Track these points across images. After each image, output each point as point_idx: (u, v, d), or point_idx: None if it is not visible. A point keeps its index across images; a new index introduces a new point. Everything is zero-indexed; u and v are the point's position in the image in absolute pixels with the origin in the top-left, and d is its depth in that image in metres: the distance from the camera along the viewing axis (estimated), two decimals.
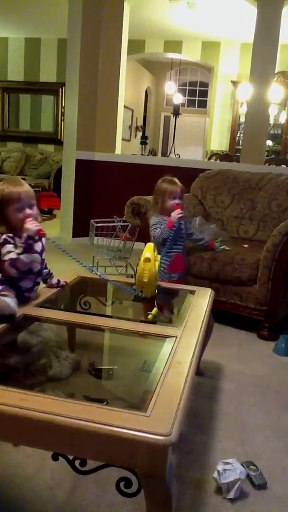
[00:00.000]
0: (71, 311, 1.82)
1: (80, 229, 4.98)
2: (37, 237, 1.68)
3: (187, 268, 2.86)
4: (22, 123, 8.90)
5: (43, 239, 1.77)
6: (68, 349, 1.64)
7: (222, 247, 2.89)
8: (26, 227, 1.63)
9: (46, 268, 1.85)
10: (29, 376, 1.37)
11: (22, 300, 1.67)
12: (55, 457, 1.06)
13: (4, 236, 1.64)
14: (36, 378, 1.37)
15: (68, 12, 4.92)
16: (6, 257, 1.61)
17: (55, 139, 8.50)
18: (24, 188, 1.67)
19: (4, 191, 1.63)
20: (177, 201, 2.61)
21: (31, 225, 1.64)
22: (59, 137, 8.29)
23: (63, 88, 6.81)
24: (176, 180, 2.67)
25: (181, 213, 2.59)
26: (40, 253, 1.75)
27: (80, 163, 5.07)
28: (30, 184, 6.07)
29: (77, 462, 1.05)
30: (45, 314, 1.63)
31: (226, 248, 2.89)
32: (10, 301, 1.52)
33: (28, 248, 1.64)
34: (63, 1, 5.02)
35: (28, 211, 1.66)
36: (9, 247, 1.63)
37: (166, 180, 2.67)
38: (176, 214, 2.57)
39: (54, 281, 1.88)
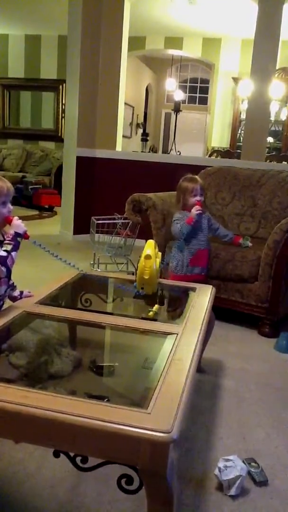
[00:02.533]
0: (72, 308, 1.82)
1: (81, 226, 4.98)
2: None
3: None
4: (22, 120, 8.90)
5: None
6: (70, 347, 1.64)
7: (248, 243, 2.87)
8: (16, 223, 1.61)
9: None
10: (31, 373, 1.37)
11: None
12: (56, 454, 1.06)
13: None
14: (37, 375, 1.37)
15: (68, 8, 4.90)
16: None
17: (55, 136, 8.49)
18: (9, 183, 1.64)
19: None
20: (198, 197, 2.67)
21: (21, 223, 1.62)
22: (59, 134, 8.28)
23: (64, 85, 6.80)
24: (197, 178, 2.73)
25: (200, 210, 2.62)
26: None
27: (80, 160, 5.06)
28: (31, 181, 6.10)
29: (78, 459, 1.05)
30: (46, 311, 1.63)
31: (250, 244, 2.87)
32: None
33: (17, 246, 1.59)
34: None
35: (10, 206, 1.64)
36: None
37: (187, 178, 2.72)
38: (195, 210, 2.61)
39: (16, 293, 1.74)
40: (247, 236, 2.95)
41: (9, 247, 1.58)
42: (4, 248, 1.57)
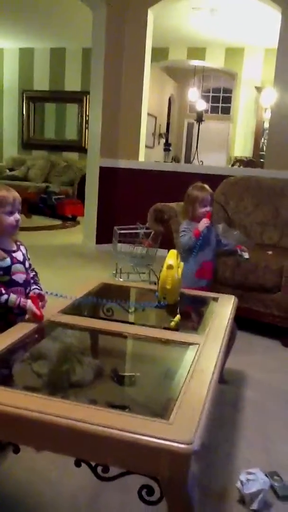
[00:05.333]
0: (94, 317, 1.83)
1: (103, 235, 5.01)
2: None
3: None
4: (47, 131, 9.04)
5: (22, 246, 1.73)
6: (91, 356, 1.64)
7: (245, 257, 2.84)
8: (30, 309, 1.58)
9: (34, 274, 1.77)
10: (52, 381, 1.38)
11: (14, 318, 1.62)
12: (77, 463, 1.06)
13: None
14: (59, 384, 1.38)
15: (93, 22, 4.98)
16: None
17: (79, 147, 8.59)
18: (16, 193, 1.66)
19: None
20: (208, 208, 2.63)
21: (34, 309, 1.58)
22: (83, 145, 8.38)
23: (87, 96, 6.90)
24: (207, 187, 2.68)
25: (207, 224, 2.59)
26: (23, 262, 1.70)
27: (103, 170, 5.11)
28: (54, 191, 6.19)
29: (99, 469, 1.05)
30: (68, 320, 1.64)
31: (247, 257, 2.84)
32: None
33: (19, 310, 1.61)
34: (88, 11, 5.09)
35: (17, 215, 1.66)
36: None
37: (197, 187, 2.68)
38: (203, 223, 2.58)
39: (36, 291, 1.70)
40: (244, 255, 2.87)
41: (13, 300, 1.58)
42: (10, 300, 1.58)
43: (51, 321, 1.61)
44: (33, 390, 1.21)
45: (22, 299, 1.59)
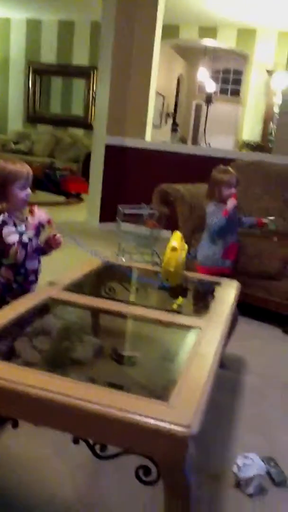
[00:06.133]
0: (96, 296, 1.82)
1: (107, 214, 4.98)
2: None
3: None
4: (53, 105, 8.92)
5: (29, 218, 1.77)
6: (92, 334, 1.64)
7: (271, 218, 2.80)
8: (38, 214, 1.66)
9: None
10: (53, 358, 1.38)
11: (28, 285, 1.72)
12: (75, 441, 1.06)
13: (1, 217, 1.64)
14: (59, 360, 1.38)
15: None
16: (12, 238, 1.62)
17: (85, 123, 8.48)
18: (28, 168, 1.69)
19: (12, 169, 1.64)
20: (233, 190, 2.63)
21: (42, 212, 1.68)
22: (89, 121, 8.28)
23: (95, 71, 6.78)
24: (230, 169, 2.68)
25: (235, 203, 2.59)
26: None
27: (109, 148, 5.05)
28: (59, 168, 6.17)
29: (97, 447, 1.05)
30: (70, 298, 1.63)
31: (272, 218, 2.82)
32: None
33: (38, 234, 1.67)
34: None
35: (28, 190, 1.69)
36: (11, 228, 1.65)
37: (221, 170, 2.67)
38: (231, 204, 2.57)
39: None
40: (272, 222, 2.84)
41: (31, 234, 1.64)
42: (28, 235, 1.64)
43: (53, 299, 1.60)
44: (34, 365, 1.20)
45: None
